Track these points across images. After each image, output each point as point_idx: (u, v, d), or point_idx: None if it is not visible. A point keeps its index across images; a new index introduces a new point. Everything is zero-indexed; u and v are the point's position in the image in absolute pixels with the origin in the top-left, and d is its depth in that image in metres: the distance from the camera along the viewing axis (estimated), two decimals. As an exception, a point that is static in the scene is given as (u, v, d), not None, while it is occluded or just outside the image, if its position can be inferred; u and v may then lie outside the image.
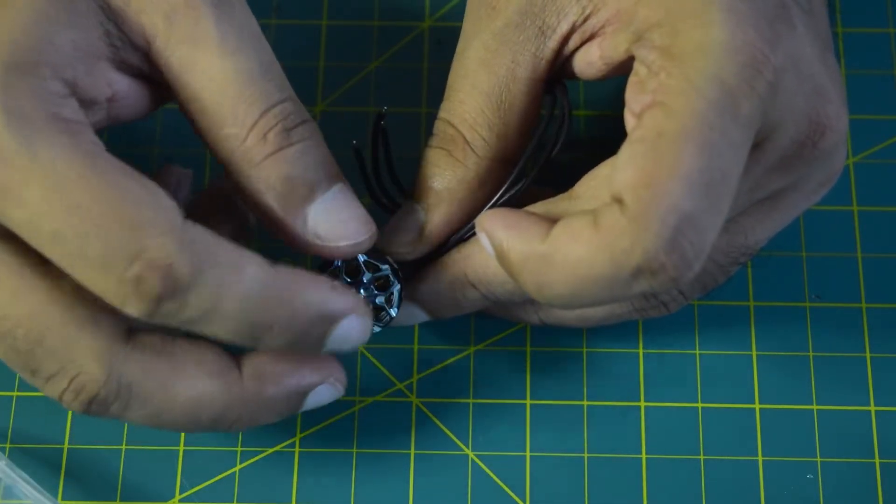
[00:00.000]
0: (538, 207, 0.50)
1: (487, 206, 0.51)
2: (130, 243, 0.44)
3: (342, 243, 0.49)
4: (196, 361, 0.48)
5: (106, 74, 0.48)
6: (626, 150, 0.45)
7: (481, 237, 0.49)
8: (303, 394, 0.50)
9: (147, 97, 0.50)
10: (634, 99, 0.47)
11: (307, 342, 0.47)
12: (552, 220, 0.47)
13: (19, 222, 0.45)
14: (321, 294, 0.47)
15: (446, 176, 0.51)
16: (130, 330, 0.48)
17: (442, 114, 0.52)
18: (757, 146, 0.47)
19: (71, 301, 0.46)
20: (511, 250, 0.47)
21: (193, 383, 0.48)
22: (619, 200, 0.45)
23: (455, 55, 0.52)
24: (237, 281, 0.45)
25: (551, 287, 0.46)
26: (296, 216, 0.49)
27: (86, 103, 0.47)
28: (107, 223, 0.44)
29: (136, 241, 0.44)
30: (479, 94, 0.51)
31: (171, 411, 0.48)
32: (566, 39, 0.50)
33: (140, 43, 0.48)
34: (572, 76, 0.52)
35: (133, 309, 0.44)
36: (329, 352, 0.48)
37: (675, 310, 0.54)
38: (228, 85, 0.48)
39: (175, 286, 0.44)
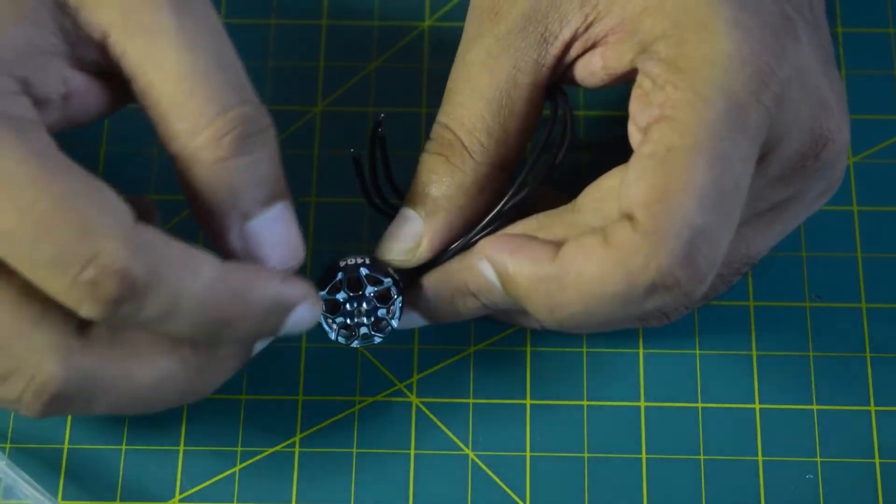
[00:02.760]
0: (540, 219, 0.50)
1: (491, 215, 0.51)
2: (83, 247, 0.43)
3: (269, 264, 0.48)
4: (149, 341, 0.47)
5: (60, 71, 0.47)
6: (635, 166, 0.45)
7: (482, 265, 0.49)
8: (250, 346, 0.50)
9: (105, 96, 0.49)
10: (640, 113, 0.47)
11: (264, 332, 0.48)
12: (554, 242, 0.47)
13: None
14: (274, 286, 0.47)
15: (444, 182, 0.51)
16: (81, 323, 0.47)
17: (440, 118, 0.51)
18: (761, 158, 0.47)
19: (19, 299, 0.45)
20: (519, 275, 0.47)
21: (153, 364, 0.47)
22: (629, 217, 0.45)
23: (455, 58, 0.52)
24: (193, 282, 0.45)
25: (563, 308, 0.46)
26: (231, 228, 0.48)
27: (39, 102, 0.46)
28: (58, 226, 0.43)
29: (90, 245, 0.43)
30: (479, 98, 0.50)
31: (137, 395, 0.47)
32: (568, 47, 0.50)
33: (96, 37, 0.47)
34: (573, 83, 0.52)
35: (88, 312, 0.44)
36: (283, 335, 0.49)
37: (675, 319, 0.54)
38: (183, 79, 0.46)
39: (132, 289, 0.43)
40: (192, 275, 0.45)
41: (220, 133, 0.47)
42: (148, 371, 0.47)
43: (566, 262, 0.46)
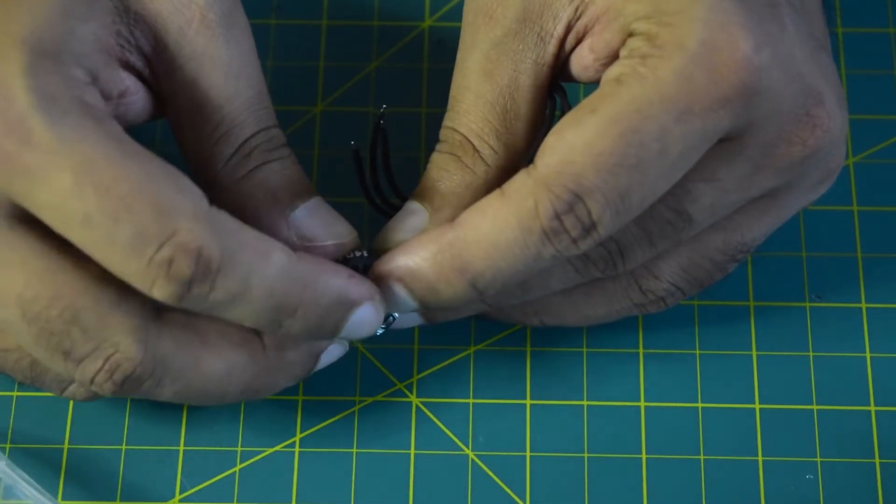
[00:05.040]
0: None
1: None
2: (161, 226, 0.44)
3: (328, 242, 0.50)
4: (221, 333, 0.49)
5: (118, 71, 0.49)
6: (561, 120, 0.47)
7: (392, 289, 0.49)
8: (317, 355, 0.51)
9: (150, 101, 0.51)
10: (604, 53, 0.49)
11: (325, 328, 0.48)
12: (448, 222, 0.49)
13: (46, 205, 0.45)
14: (341, 280, 0.48)
15: (454, 180, 0.51)
16: (157, 308, 0.48)
17: (447, 123, 0.52)
18: (735, 140, 0.48)
19: (99, 283, 0.47)
20: (420, 259, 0.48)
21: (222, 355, 0.49)
22: (534, 165, 0.47)
23: (455, 66, 0.52)
24: (265, 265, 0.46)
25: (472, 266, 0.47)
26: (280, 220, 0.50)
27: (104, 95, 0.48)
28: (137, 206, 0.44)
29: (167, 224, 0.44)
30: (483, 103, 0.51)
31: (203, 385, 0.49)
32: (563, 42, 0.50)
33: (146, 49, 0.49)
34: (570, 79, 0.52)
35: (162, 292, 0.45)
36: (344, 339, 0.49)
37: (672, 304, 0.54)
38: (227, 106, 0.50)
39: (206, 269, 0.45)
40: (264, 258, 0.46)
41: (250, 149, 0.50)
42: (217, 361, 0.49)
43: (464, 223, 0.48)
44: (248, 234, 0.46)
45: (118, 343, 0.47)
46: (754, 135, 0.48)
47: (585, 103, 0.47)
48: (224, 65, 0.50)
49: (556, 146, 0.47)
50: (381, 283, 0.49)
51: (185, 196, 0.45)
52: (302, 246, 0.50)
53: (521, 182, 0.47)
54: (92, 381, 0.48)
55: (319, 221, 0.50)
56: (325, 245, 0.50)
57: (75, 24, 0.47)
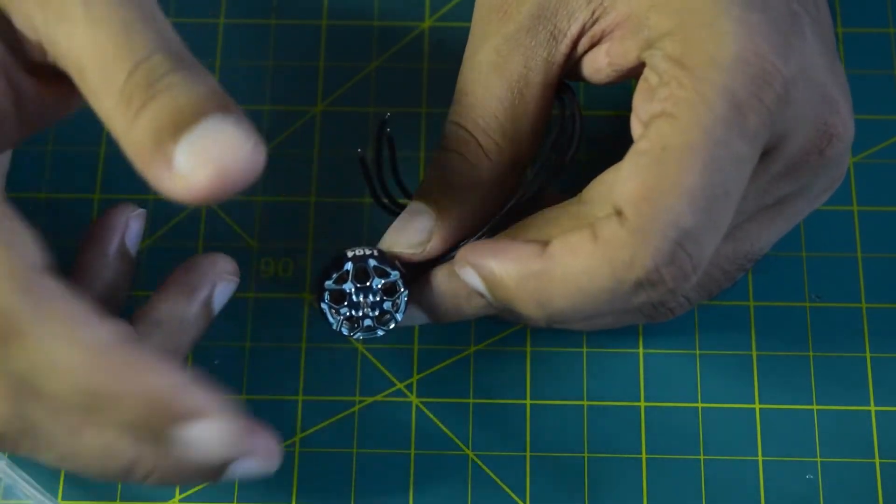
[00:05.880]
0: (547, 213, 0.50)
1: (502, 213, 0.51)
2: None
3: (214, 181, 0.41)
4: None
5: (9, 78, 0.46)
6: (630, 161, 0.46)
7: (465, 272, 0.49)
8: (222, 466, 0.45)
9: (61, 95, 0.47)
10: (643, 106, 0.47)
11: (151, 437, 0.42)
12: (539, 242, 0.47)
13: None
14: (164, 379, 0.42)
15: (460, 179, 0.51)
16: None
17: (453, 118, 0.51)
18: (765, 154, 0.47)
19: None
20: (506, 275, 0.47)
21: (102, 429, 0.44)
22: (619, 213, 0.45)
23: (464, 59, 0.52)
24: (74, 340, 0.41)
25: (551, 303, 0.47)
26: (159, 162, 0.41)
27: None
28: None
29: None
30: (491, 98, 0.50)
31: (80, 457, 0.45)
32: (576, 43, 0.50)
33: (32, 37, 0.45)
34: (580, 79, 0.52)
35: None
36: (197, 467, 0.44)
37: (680, 313, 0.54)
38: (97, 54, 0.43)
39: (8, 331, 0.41)
40: (77, 332, 0.42)
41: (130, 93, 0.42)
42: (95, 436, 0.44)
43: (554, 258, 0.46)
44: (69, 305, 0.42)
45: None
46: (779, 147, 0.48)
47: (645, 146, 0.45)
48: (82, 13, 0.43)
49: (638, 190, 0.45)
50: (465, 268, 0.48)
51: (8, 252, 0.42)
52: (191, 191, 0.41)
53: (614, 232, 0.45)
54: None
55: (209, 148, 0.41)
56: (217, 182, 0.41)
57: None
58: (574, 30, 0.50)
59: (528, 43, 0.50)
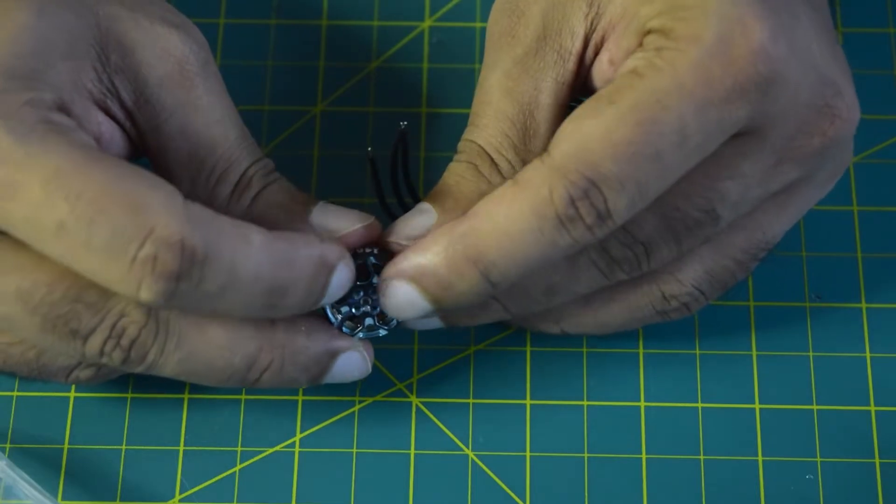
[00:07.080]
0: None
1: None
2: (138, 224, 0.44)
3: (357, 225, 0.50)
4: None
5: (95, 115, 0.49)
6: (577, 110, 0.47)
7: (395, 287, 0.49)
8: (332, 354, 0.51)
9: (126, 149, 0.51)
10: (622, 59, 0.49)
11: (314, 296, 0.48)
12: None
13: (20, 220, 0.45)
14: (316, 246, 0.48)
15: (469, 187, 0.51)
16: None
17: (467, 136, 0.52)
18: (756, 133, 0.48)
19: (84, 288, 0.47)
20: (433, 254, 0.48)
21: (226, 322, 0.49)
22: (547, 153, 0.47)
23: (478, 84, 0.52)
24: (246, 247, 0.46)
25: (485, 258, 0.47)
26: (302, 226, 0.50)
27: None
28: (110, 208, 0.44)
29: (143, 221, 0.44)
30: (503, 119, 0.51)
31: (207, 353, 0.49)
32: (582, 57, 0.51)
33: (128, 100, 0.50)
34: (594, 93, 0.52)
35: (150, 291, 0.45)
36: (327, 302, 0.49)
37: (695, 310, 0.54)
38: (219, 148, 0.50)
39: (191, 261, 0.45)
40: (245, 242, 0.46)
41: (248, 179, 0.51)
42: (220, 327, 0.49)
43: (478, 213, 0.47)
44: (225, 222, 0.46)
45: (123, 310, 0.47)
46: (774, 127, 0.48)
47: (602, 94, 0.47)
48: (209, 112, 0.50)
49: (572, 135, 0.46)
50: (390, 286, 0.49)
51: (157, 192, 0.45)
52: (332, 238, 0.50)
53: (534, 170, 0.47)
54: (101, 354, 0.48)
55: (337, 215, 0.51)
56: (355, 229, 0.50)
57: (52, 57, 0.47)
58: (578, 45, 0.50)
59: (537, 65, 0.51)
